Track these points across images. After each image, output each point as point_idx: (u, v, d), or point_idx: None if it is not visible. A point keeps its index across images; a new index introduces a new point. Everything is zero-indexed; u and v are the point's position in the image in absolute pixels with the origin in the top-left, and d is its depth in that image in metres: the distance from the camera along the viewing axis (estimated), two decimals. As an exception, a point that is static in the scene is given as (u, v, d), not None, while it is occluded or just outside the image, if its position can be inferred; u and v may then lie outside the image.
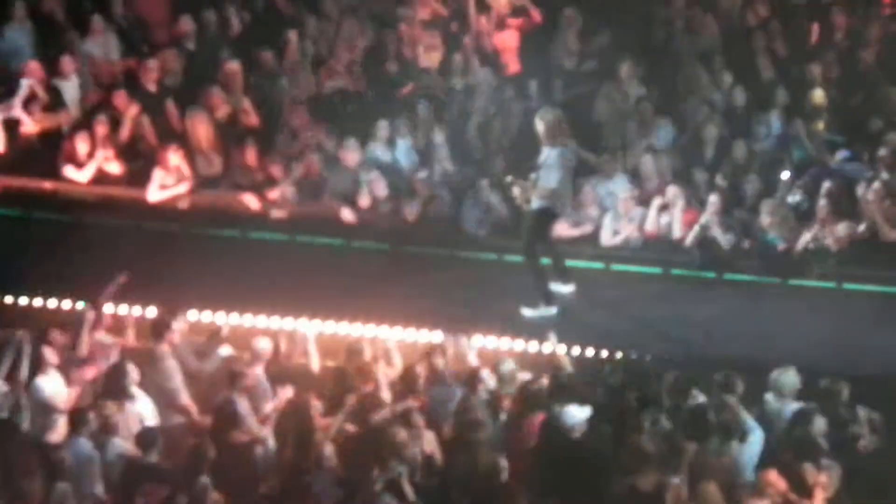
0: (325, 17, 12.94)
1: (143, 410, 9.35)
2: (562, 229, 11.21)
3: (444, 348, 10.14)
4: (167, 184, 11.77)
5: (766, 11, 12.58)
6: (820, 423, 9.13)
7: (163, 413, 9.47)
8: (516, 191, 10.39)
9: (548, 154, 10.17)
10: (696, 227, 10.99)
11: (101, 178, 11.97)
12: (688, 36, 12.64)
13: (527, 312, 10.33)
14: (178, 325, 9.90)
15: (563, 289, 10.50)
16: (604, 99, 12.39)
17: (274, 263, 11.15)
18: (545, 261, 10.46)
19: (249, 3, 13.20)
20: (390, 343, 10.24)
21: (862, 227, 10.69)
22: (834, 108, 11.85)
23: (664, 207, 11.21)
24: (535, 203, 10.20)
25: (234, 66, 12.44)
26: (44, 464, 8.65)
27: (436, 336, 10.32)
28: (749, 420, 9.37)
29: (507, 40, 12.80)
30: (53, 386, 9.47)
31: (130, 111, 12.11)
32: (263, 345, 9.98)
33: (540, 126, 10.27)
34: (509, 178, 10.50)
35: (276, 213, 11.64)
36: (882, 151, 11.16)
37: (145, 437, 8.92)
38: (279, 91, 12.54)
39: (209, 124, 12.07)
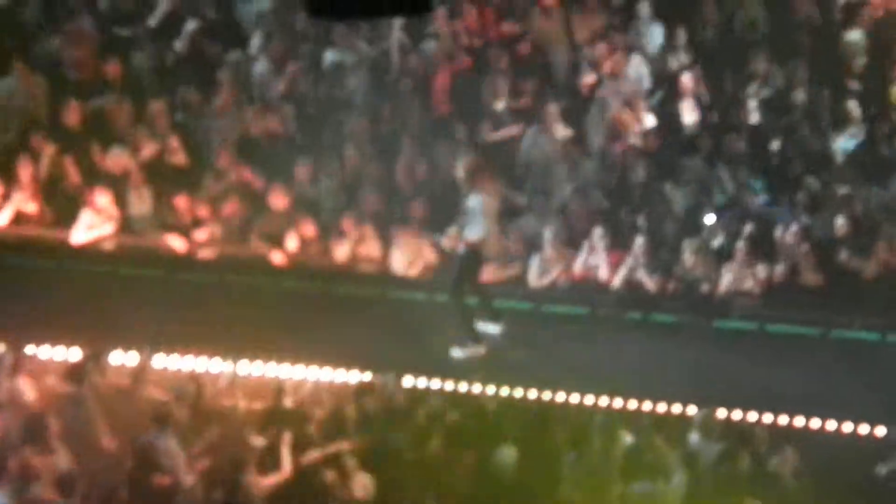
0: (254, 58, 12.94)
1: (60, 460, 9.18)
2: (490, 272, 11.29)
3: (374, 389, 10.13)
4: (94, 225, 11.65)
5: (687, 58, 12.80)
6: (743, 462, 9.28)
7: (84, 457, 9.32)
8: (445, 241, 10.55)
9: (472, 201, 10.31)
10: (623, 269, 11.13)
11: (21, 219, 11.81)
12: (613, 80, 12.81)
13: (456, 353, 10.39)
14: (100, 368, 9.79)
15: (492, 329, 10.58)
16: (530, 141, 12.51)
17: (201, 304, 11.07)
18: (472, 301, 10.53)
19: (173, 44, 13.14)
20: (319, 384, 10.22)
21: (780, 270, 10.90)
22: (754, 153, 12.07)
23: (592, 249, 11.32)
24: (462, 249, 10.31)
25: (158, 105, 12.38)
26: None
27: (366, 377, 10.31)
28: (674, 460, 9.49)
29: (440, 82, 12.89)
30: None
31: (47, 151, 11.98)
32: (186, 386, 9.91)
33: (461, 172, 10.43)
34: (436, 237, 10.64)
35: (204, 254, 11.57)
36: (801, 195, 11.40)
37: (65, 483, 8.78)
38: (206, 131, 12.50)
39: (133, 163, 11.99)
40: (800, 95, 12.30)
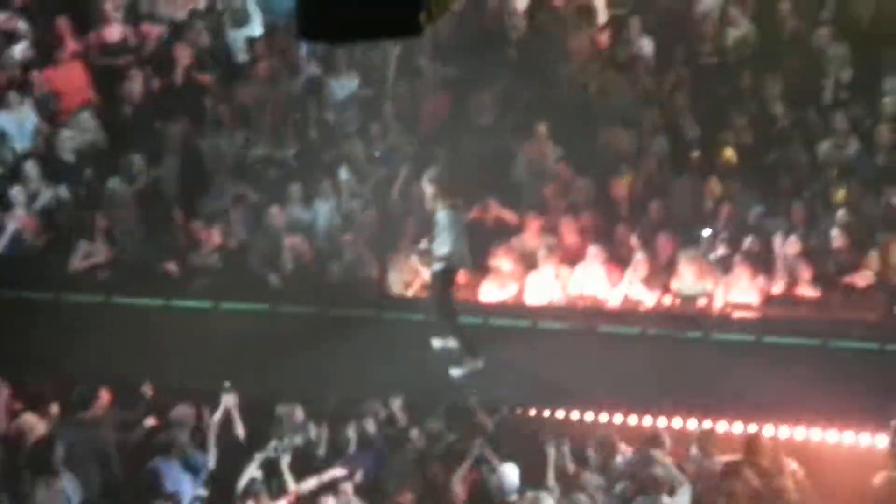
0: (250, 83, 12.97)
1: (68, 486, 9.17)
2: (488, 293, 11.31)
3: (376, 412, 10.13)
4: (90, 253, 11.64)
5: (678, 76, 12.81)
6: (747, 476, 9.29)
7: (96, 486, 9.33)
8: (415, 258, 10.55)
9: (439, 216, 10.31)
10: (620, 285, 11.14)
11: (17, 249, 11.80)
12: (602, 97, 12.86)
13: (455, 372, 10.39)
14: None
15: (452, 344, 10.53)
16: (523, 159, 12.53)
17: (198, 331, 11.05)
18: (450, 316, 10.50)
19: (166, 73, 13.17)
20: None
21: (779, 282, 10.92)
22: (747, 167, 12.11)
23: (587, 267, 11.33)
24: (435, 266, 10.31)
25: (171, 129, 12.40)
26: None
27: (367, 400, 10.31)
28: (677, 474, 9.50)
29: (437, 107, 12.92)
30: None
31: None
32: (185, 412, 9.91)
33: (428, 188, 10.41)
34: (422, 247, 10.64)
35: (202, 280, 11.54)
36: (796, 207, 11.45)
37: None
38: (199, 155, 12.52)
39: (129, 194, 12.01)
40: (785, 109, 12.35)
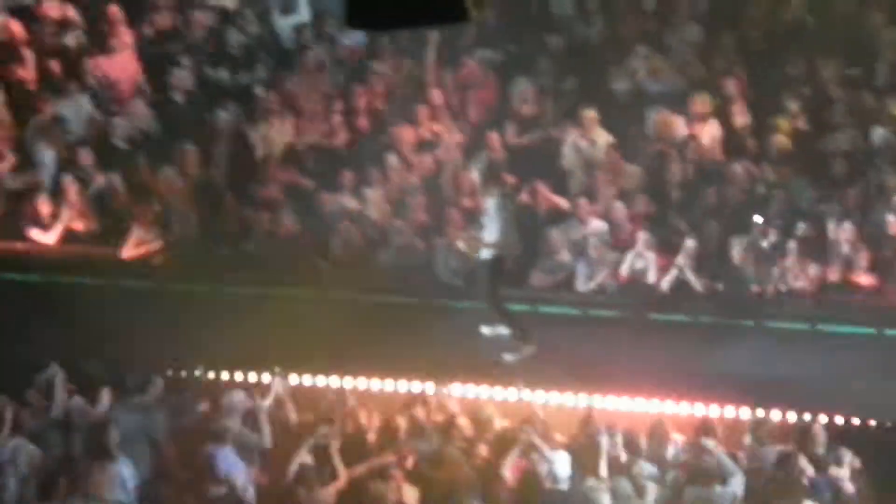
0: (301, 72, 12.99)
1: (123, 470, 9.25)
2: (537, 278, 11.28)
3: (425, 399, 10.13)
4: (143, 240, 11.72)
5: (728, 61, 12.69)
6: (802, 465, 9.21)
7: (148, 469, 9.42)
8: (461, 245, 10.52)
9: (488, 204, 10.30)
10: (671, 271, 11.06)
11: (70, 237, 11.90)
12: (652, 82, 12.77)
13: (509, 357, 10.39)
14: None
15: (502, 331, 10.52)
16: (570, 146, 12.47)
17: (249, 317, 11.10)
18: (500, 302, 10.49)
19: (218, 60, 13.22)
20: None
21: (834, 269, 10.80)
22: (800, 152, 11.99)
23: (638, 253, 11.26)
24: (485, 254, 10.25)
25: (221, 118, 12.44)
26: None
27: (415, 387, 10.32)
28: (729, 463, 9.44)
29: (482, 95, 12.86)
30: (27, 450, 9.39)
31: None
32: (238, 398, 9.97)
33: (475, 176, 10.42)
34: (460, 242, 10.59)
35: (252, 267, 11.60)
36: (850, 193, 11.32)
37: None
38: (249, 143, 12.57)
39: (182, 182, 12.08)
40: (839, 94, 12.20)
